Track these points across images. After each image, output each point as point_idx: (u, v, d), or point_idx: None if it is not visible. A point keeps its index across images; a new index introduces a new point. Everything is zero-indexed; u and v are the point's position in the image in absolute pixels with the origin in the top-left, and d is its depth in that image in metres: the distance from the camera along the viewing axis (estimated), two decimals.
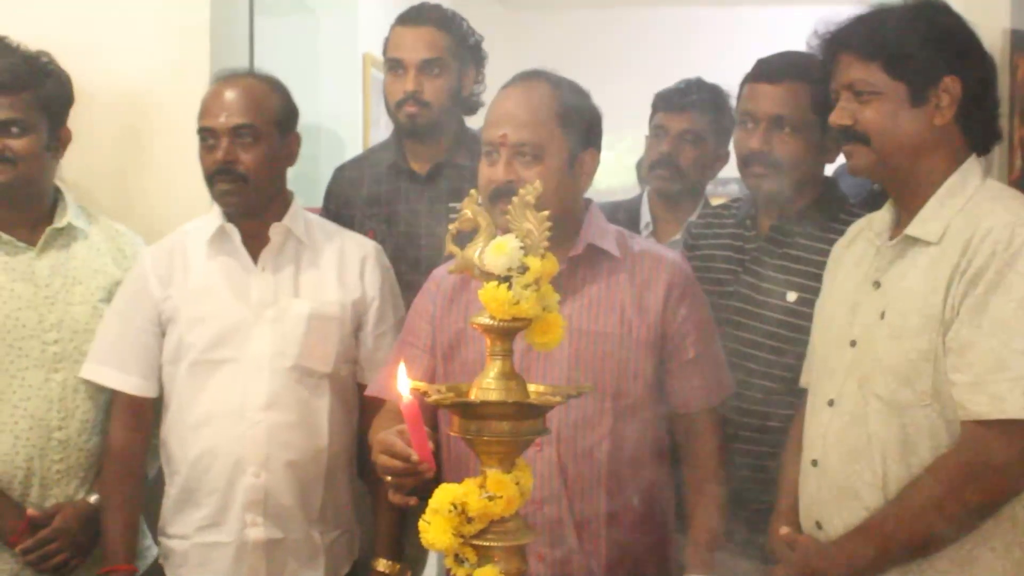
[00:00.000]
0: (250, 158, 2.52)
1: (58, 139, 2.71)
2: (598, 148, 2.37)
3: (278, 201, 2.61)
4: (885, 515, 2.06)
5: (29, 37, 2.75)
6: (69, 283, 2.68)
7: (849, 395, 2.13)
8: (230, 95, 2.54)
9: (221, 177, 2.52)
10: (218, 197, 2.56)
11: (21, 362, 2.61)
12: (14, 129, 2.60)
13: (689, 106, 3.23)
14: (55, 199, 2.75)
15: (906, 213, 2.15)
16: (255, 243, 2.60)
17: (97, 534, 2.64)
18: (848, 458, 2.11)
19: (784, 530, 2.24)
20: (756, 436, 2.53)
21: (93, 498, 2.65)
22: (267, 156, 2.55)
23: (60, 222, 2.69)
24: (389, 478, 2.10)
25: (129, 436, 2.63)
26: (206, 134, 2.54)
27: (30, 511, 2.58)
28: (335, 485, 2.61)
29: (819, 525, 2.18)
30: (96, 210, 2.88)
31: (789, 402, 2.45)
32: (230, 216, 2.60)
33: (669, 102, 3.28)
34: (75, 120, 2.78)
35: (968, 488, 1.98)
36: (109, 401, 2.69)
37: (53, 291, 2.66)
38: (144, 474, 2.68)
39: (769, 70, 2.60)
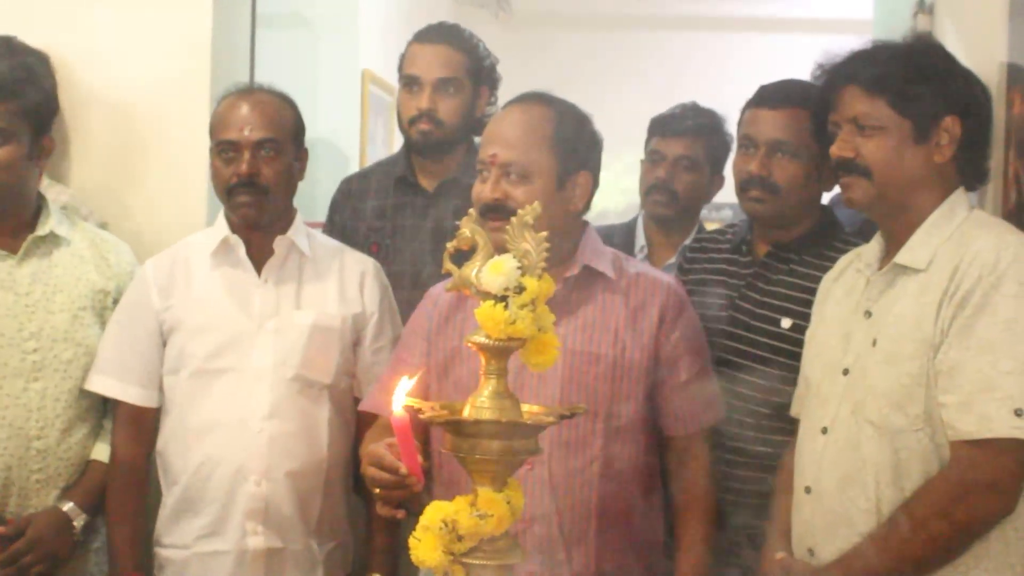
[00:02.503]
0: (271, 171, 2.56)
1: (41, 147, 2.67)
2: (593, 170, 2.37)
3: (283, 215, 2.64)
4: (878, 537, 2.07)
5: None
6: (50, 291, 2.66)
7: (842, 422, 2.15)
8: (250, 109, 2.57)
9: (243, 189, 2.54)
10: (237, 209, 2.58)
11: (0, 371, 2.59)
12: None
13: (685, 131, 3.24)
14: (38, 207, 2.72)
15: (895, 244, 2.17)
16: (258, 255, 2.62)
17: (72, 542, 2.63)
18: (842, 484, 2.12)
19: (780, 555, 2.25)
20: (747, 461, 2.53)
21: (67, 506, 2.63)
22: (286, 170, 2.60)
23: (42, 230, 2.67)
24: (378, 490, 2.11)
25: (132, 447, 2.64)
26: (226, 147, 2.56)
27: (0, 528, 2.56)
28: (332, 496, 2.63)
29: (811, 552, 2.18)
30: (88, 218, 2.87)
31: (780, 427, 2.46)
32: (235, 228, 2.62)
33: (665, 127, 3.29)
34: (77, 131, 2.79)
35: (958, 508, 1.99)
36: (88, 410, 2.68)
37: (34, 299, 2.64)
38: (148, 484, 2.68)
39: (770, 96, 2.62)
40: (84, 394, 2.66)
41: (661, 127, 3.30)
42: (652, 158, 3.28)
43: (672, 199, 3.22)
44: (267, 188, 2.55)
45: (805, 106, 2.51)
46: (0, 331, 2.59)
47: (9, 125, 2.58)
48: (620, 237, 3.33)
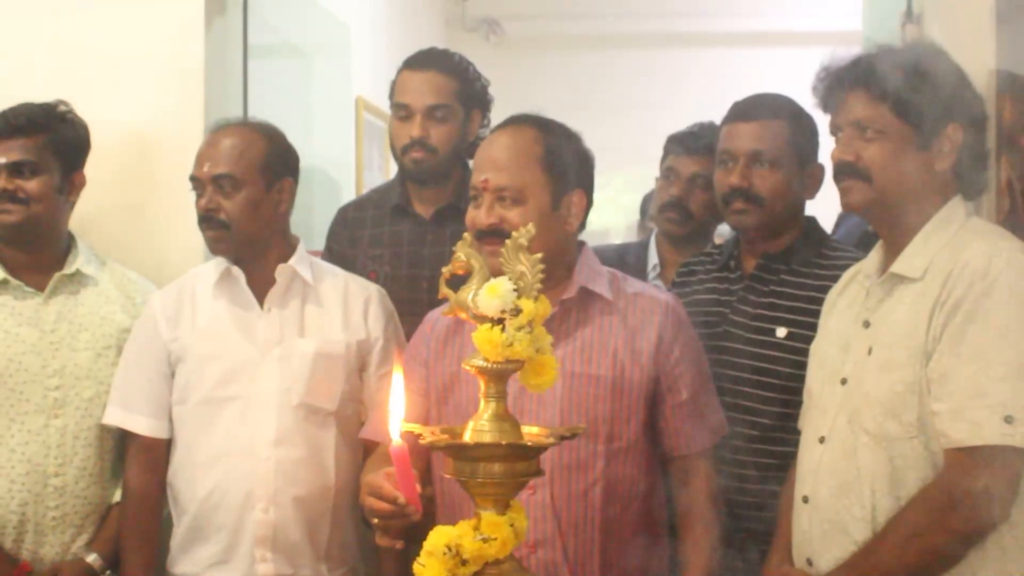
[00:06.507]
0: (231, 206, 2.57)
1: (71, 183, 2.74)
2: (586, 189, 2.36)
3: (282, 245, 2.66)
4: (873, 547, 2.06)
5: (26, 82, 2.77)
6: (75, 329, 2.69)
7: (839, 431, 2.15)
8: (214, 145, 2.61)
9: (205, 224, 2.59)
10: (207, 243, 2.63)
11: (21, 406, 2.61)
12: (26, 171, 2.65)
13: (701, 150, 3.18)
14: (68, 246, 2.77)
15: (893, 253, 2.17)
16: (261, 285, 2.64)
17: None
18: (838, 493, 2.12)
19: (785, 568, 2.24)
20: (750, 474, 2.53)
21: (91, 557, 2.64)
22: (249, 204, 2.59)
23: (69, 268, 2.72)
24: (376, 520, 2.10)
25: (146, 478, 2.65)
26: (194, 183, 2.61)
27: None
28: (341, 522, 2.64)
29: (810, 562, 2.18)
30: (106, 256, 2.89)
31: (781, 438, 2.46)
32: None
33: (681, 145, 3.24)
34: None
35: (952, 516, 1.98)
36: (109, 450, 2.71)
37: (58, 337, 2.67)
38: (161, 514, 2.68)
39: (744, 109, 2.66)
40: (105, 434, 2.68)
41: (677, 145, 3.25)
42: (667, 175, 3.24)
43: (686, 217, 3.19)
44: (226, 222, 2.57)
45: (779, 116, 2.57)
46: (24, 367, 2.63)
47: (39, 159, 2.66)
48: (634, 255, 3.32)
